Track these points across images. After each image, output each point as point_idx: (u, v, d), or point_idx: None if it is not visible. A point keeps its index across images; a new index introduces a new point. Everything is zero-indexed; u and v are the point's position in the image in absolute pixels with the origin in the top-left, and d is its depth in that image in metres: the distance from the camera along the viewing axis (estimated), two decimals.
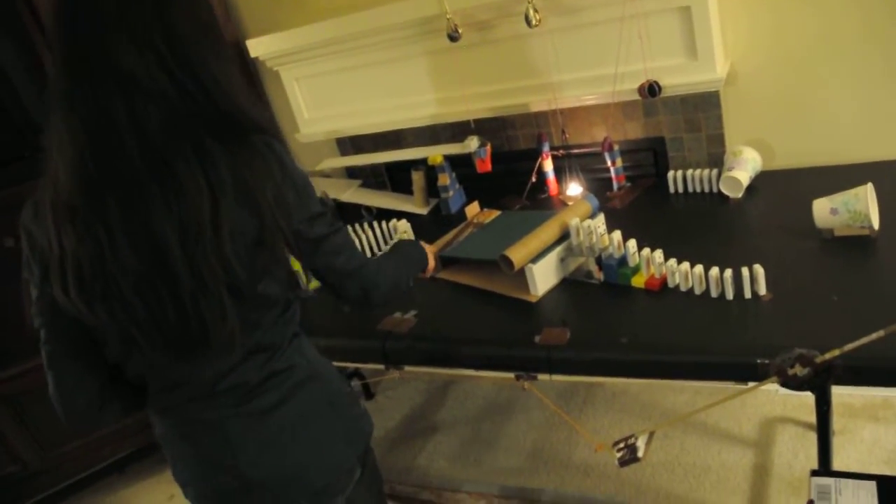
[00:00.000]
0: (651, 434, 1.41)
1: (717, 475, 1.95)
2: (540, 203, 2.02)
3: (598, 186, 2.00)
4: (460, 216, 2.06)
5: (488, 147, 2.01)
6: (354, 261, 1.15)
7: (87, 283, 0.93)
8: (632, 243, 1.49)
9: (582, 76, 1.89)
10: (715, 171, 1.80)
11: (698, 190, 1.83)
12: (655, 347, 1.31)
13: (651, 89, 1.74)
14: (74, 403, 1.05)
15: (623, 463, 1.37)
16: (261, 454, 1.09)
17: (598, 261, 1.53)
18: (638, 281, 1.48)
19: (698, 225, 1.69)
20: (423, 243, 1.51)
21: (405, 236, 1.91)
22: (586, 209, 1.63)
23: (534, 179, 2.02)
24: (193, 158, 0.92)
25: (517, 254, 1.51)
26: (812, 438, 1.97)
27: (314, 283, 1.86)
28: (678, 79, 1.77)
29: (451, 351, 1.49)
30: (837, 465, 1.83)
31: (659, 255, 1.46)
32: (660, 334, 1.34)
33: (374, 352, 1.58)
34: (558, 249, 1.57)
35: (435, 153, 2.06)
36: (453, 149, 2.05)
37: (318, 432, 1.14)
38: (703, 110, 1.88)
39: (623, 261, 1.51)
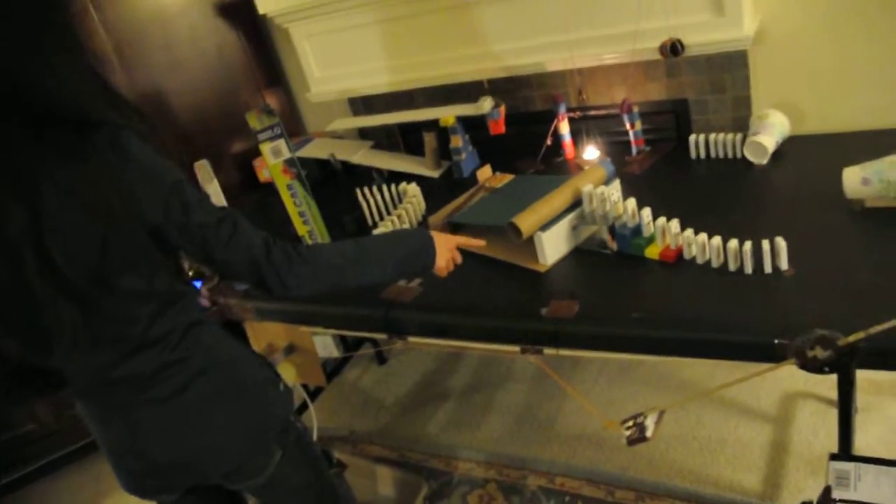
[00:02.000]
0: (661, 413, 1.36)
1: (733, 450, 1.89)
2: (555, 167, 1.94)
3: (617, 150, 1.91)
4: (473, 180, 1.99)
5: (502, 108, 1.93)
6: (255, 248, 1.06)
7: None
8: (646, 212, 1.42)
9: (601, 34, 1.79)
10: (739, 136, 1.70)
11: (721, 155, 1.73)
12: (668, 323, 1.24)
13: (673, 48, 1.64)
14: None
15: (631, 442, 1.32)
16: (162, 439, 1.11)
17: (612, 230, 1.46)
18: (652, 252, 1.41)
19: (720, 193, 1.60)
20: (439, 234, 1.29)
21: (414, 201, 1.85)
22: (601, 175, 1.56)
23: (549, 143, 1.94)
24: (1, 179, 0.88)
25: (525, 221, 1.44)
26: (834, 415, 1.90)
27: None
28: (703, 37, 1.66)
29: (455, 322, 1.44)
30: (860, 443, 1.76)
31: (675, 224, 1.38)
32: (674, 309, 1.27)
33: (376, 321, 1.53)
34: (570, 217, 1.50)
35: (447, 114, 1.98)
36: (466, 110, 1.97)
37: (220, 419, 1.13)
38: (729, 71, 1.78)
39: (637, 230, 1.44)
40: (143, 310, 1.04)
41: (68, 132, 0.91)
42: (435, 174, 2.09)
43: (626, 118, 1.80)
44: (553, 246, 1.48)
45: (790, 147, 1.69)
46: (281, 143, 1.74)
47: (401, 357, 2.67)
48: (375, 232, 1.71)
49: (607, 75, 1.92)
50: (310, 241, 1.80)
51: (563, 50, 1.82)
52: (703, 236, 1.34)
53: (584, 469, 1.93)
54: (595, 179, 1.54)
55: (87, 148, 0.92)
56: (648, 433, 1.32)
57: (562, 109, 1.88)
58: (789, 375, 2.06)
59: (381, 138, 2.38)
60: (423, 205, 1.88)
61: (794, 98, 1.77)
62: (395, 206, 1.95)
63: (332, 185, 2.15)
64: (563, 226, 1.49)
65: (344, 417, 2.43)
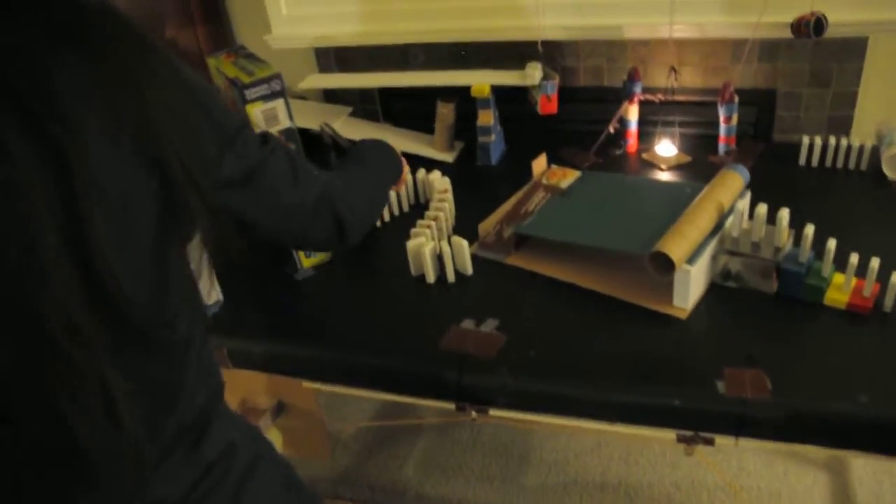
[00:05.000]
0: None
1: None
2: (614, 162, 1.53)
3: (695, 146, 1.53)
4: (504, 170, 1.55)
5: (557, 80, 1.48)
6: (313, 184, 0.83)
7: None
8: (831, 244, 1.05)
9: None
10: (870, 144, 1.38)
11: (840, 165, 1.40)
12: None
13: (818, 25, 1.27)
14: None
15: None
16: None
17: (777, 265, 1.07)
18: (836, 299, 1.05)
19: (867, 217, 1.26)
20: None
21: (448, 198, 1.36)
22: (739, 185, 1.17)
23: (612, 130, 1.52)
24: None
25: (677, 250, 1.02)
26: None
27: (311, 260, 1.30)
28: (853, 13, 1.30)
29: (578, 393, 1.00)
30: None
31: (875, 263, 1.02)
32: None
33: (440, 386, 1.05)
34: (713, 244, 1.10)
35: (482, 81, 1.49)
36: (507, 78, 1.50)
37: None
38: (839, 60, 1.45)
39: (809, 267, 1.07)
40: (186, 363, 0.65)
41: (69, 14, 0.52)
42: (448, 157, 1.60)
43: (722, 109, 1.42)
44: (697, 283, 1.08)
45: None
46: (279, 105, 1.19)
47: None
48: (410, 247, 1.21)
49: (683, 50, 1.53)
50: (301, 256, 1.28)
51: (654, 13, 1.40)
52: None
53: None
54: (734, 190, 1.16)
55: (111, 41, 0.54)
56: None
57: (637, 89, 1.47)
58: None
59: (356, 104, 1.84)
60: (452, 204, 1.40)
61: None
62: (416, 201, 1.46)
63: (320, 165, 1.58)
64: (706, 256, 1.09)
65: (290, 457, 1.90)
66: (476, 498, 1.72)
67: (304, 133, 1.47)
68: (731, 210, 1.13)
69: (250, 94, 1.16)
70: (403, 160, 1.19)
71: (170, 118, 0.56)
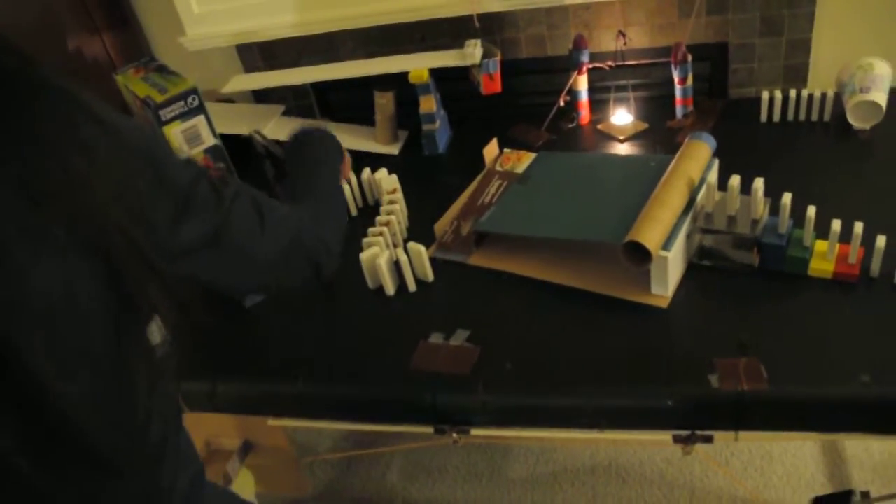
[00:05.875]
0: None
1: (784, 466, 1.59)
2: (568, 136, 1.45)
3: (651, 111, 1.45)
4: (453, 157, 1.46)
5: (499, 57, 1.38)
6: (283, 229, 0.73)
7: None
8: (811, 211, 0.99)
9: None
10: (832, 92, 1.31)
11: (802, 118, 1.34)
12: None
13: None
14: None
15: None
16: None
17: (757, 240, 1.01)
18: (821, 269, 0.99)
19: (840, 172, 1.20)
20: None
21: (398, 198, 1.26)
22: (706, 154, 1.10)
23: (562, 103, 1.43)
24: None
25: (652, 238, 0.95)
26: None
27: None
28: None
29: (561, 403, 0.93)
30: None
31: (858, 228, 0.96)
32: None
33: (413, 408, 0.97)
34: (686, 223, 1.03)
35: (419, 65, 1.39)
36: (446, 59, 1.40)
37: None
38: (790, 6, 1.38)
39: (789, 238, 1.01)
40: (166, 460, 0.61)
41: None
42: (393, 150, 1.50)
43: (676, 71, 1.35)
44: (675, 268, 1.01)
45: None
46: (200, 122, 1.08)
47: None
48: (364, 259, 1.12)
49: (626, 11, 1.44)
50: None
51: None
52: None
53: None
54: (702, 161, 1.08)
55: (34, 119, 0.46)
56: None
57: (584, 58, 1.38)
58: None
59: (288, 101, 1.72)
60: (404, 203, 1.30)
61: (863, 44, 1.41)
62: (364, 203, 1.36)
63: (255, 174, 1.46)
64: (682, 237, 1.02)
65: (266, 478, 1.81)
66: (466, 497, 1.66)
67: (235, 139, 1.35)
68: (701, 183, 1.06)
69: (165, 113, 1.04)
70: (340, 145, 1.08)
71: (108, 193, 0.49)
